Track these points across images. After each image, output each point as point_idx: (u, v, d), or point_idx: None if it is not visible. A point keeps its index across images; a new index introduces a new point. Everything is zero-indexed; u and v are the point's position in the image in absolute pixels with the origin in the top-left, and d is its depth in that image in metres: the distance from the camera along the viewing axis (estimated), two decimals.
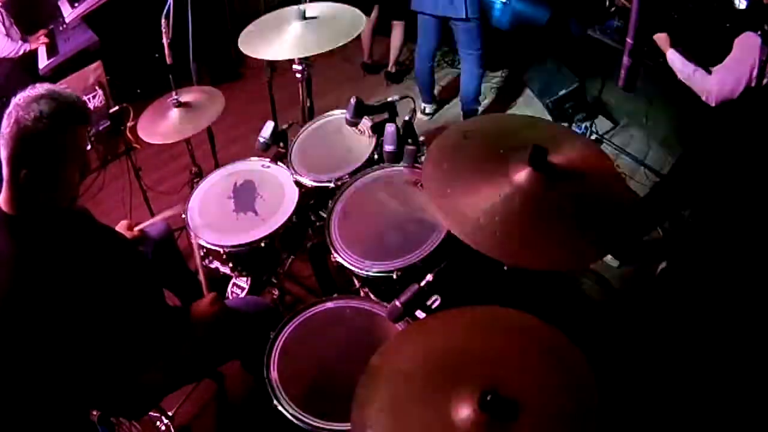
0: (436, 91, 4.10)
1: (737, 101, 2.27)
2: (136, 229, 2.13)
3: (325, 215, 2.18)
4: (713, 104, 2.35)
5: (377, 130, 2.41)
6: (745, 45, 2.21)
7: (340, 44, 2.38)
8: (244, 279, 2.47)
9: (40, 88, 1.45)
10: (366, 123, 2.46)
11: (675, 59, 2.51)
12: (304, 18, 2.47)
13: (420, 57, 3.82)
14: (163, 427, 2.14)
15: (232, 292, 2.49)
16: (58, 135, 1.43)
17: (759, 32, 2.16)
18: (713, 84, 2.33)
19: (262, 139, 2.46)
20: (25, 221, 1.46)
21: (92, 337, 1.52)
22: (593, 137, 3.57)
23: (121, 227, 2.07)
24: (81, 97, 1.52)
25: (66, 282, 1.45)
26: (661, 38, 2.59)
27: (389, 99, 2.39)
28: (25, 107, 1.40)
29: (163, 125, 2.52)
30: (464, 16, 3.35)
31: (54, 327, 1.46)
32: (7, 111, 1.42)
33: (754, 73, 2.19)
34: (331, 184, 2.32)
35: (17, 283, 1.42)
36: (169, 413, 2.14)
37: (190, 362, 1.87)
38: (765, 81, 2.16)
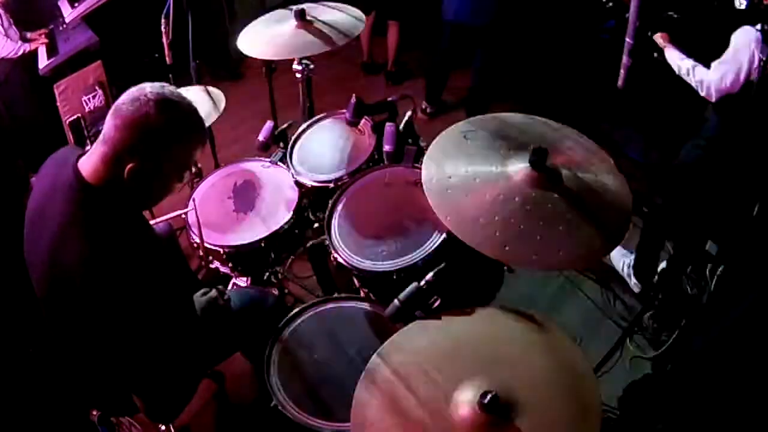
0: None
1: (738, 95, 2.27)
2: None
3: (325, 215, 2.18)
4: (713, 99, 2.34)
5: (377, 130, 2.41)
6: (743, 38, 2.23)
7: (340, 44, 2.38)
8: (244, 279, 2.47)
9: (174, 91, 1.44)
10: (366, 123, 2.46)
11: (674, 55, 2.51)
12: (304, 18, 2.47)
13: (439, 61, 3.86)
14: (163, 427, 2.14)
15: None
16: (181, 147, 1.45)
17: (756, 27, 2.17)
18: (714, 78, 2.32)
19: (261, 140, 2.46)
20: (103, 196, 1.43)
21: (143, 324, 1.47)
22: None
23: None
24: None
25: (130, 267, 1.41)
26: (660, 36, 2.60)
27: (389, 99, 2.39)
28: (160, 107, 1.39)
29: None
30: (486, 24, 3.39)
31: (115, 311, 1.41)
32: (134, 95, 1.40)
33: (754, 66, 2.20)
34: (331, 184, 2.32)
35: (88, 271, 1.37)
36: None
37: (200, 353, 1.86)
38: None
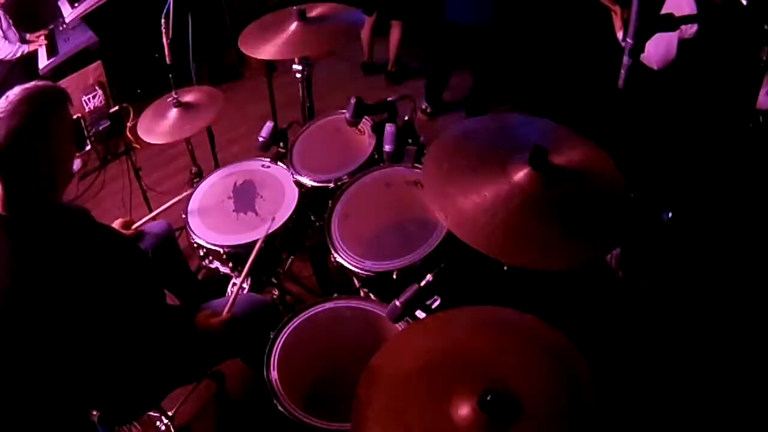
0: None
1: (677, 60, 2.27)
2: (133, 227, 2.13)
3: (325, 215, 2.18)
4: (656, 68, 2.34)
5: (377, 130, 2.41)
6: (671, 4, 2.22)
7: (340, 44, 2.38)
8: None
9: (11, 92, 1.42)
10: (366, 123, 2.46)
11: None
12: (304, 18, 2.47)
13: (440, 61, 3.88)
14: (163, 427, 2.14)
15: (232, 292, 2.49)
16: (46, 124, 1.42)
17: None
18: (650, 48, 2.33)
19: (262, 139, 2.46)
20: (20, 221, 1.44)
21: (92, 336, 1.51)
22: None
23: (116, 226, 2.06)
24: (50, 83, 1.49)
25: (65, 281, 1.44)
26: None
27: (389, 99, 2.39)
28: (7, 112, 1.38)
29: (163, 125, 2.52)
30: (490, 26, 3.40)
31: (54, 326, 1.46)
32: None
33: (684, 27, 2.20)
34: (331, 184, 2.32)
35: (17, 282, 1.42)
36: (169, 413, 2.14)
37: (187, 362, 1.86)
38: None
